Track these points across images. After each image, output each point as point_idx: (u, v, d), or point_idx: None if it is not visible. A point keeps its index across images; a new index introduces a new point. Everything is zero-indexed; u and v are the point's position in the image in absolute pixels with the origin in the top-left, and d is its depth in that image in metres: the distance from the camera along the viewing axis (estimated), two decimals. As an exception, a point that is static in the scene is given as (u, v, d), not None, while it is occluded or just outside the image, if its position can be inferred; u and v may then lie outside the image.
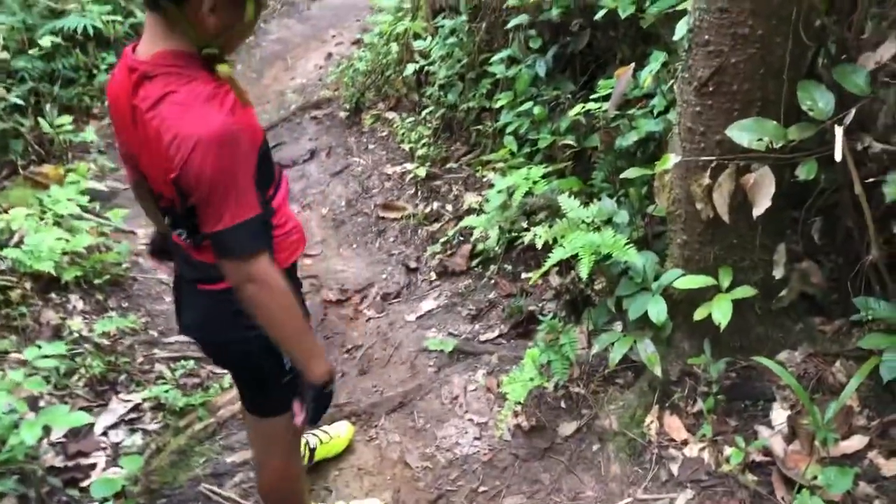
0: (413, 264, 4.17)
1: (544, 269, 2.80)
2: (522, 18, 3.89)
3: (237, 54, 7.55)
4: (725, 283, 2.57)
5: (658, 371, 2.61)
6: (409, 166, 5.02)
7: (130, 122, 1.67)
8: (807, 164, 2.24)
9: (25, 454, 2.49)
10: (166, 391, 3.08)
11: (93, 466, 2.85)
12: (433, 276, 4.02)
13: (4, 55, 5.27)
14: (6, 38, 5.50)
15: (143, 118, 1.61)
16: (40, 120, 5.17)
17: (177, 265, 1.99)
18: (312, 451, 2.80)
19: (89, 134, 5.15)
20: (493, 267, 3.80)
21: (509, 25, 4.02)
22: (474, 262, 3.94)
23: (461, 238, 4.12)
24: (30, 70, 5.53)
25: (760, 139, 2.21)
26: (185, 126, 1.55)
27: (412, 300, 3.92)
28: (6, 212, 4.09)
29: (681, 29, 2.47)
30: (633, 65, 2.81)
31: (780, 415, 2.56)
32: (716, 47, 2.25)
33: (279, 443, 2.13)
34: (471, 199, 4.35)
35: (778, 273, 2.51)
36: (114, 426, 3.08)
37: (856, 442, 2.39)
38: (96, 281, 3.97)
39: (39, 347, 3.16)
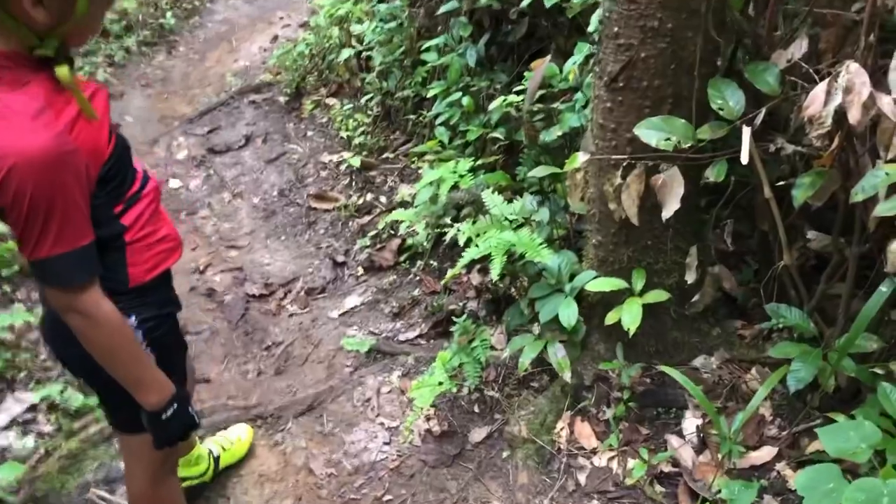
0: (341, 258, 4.04)
1: (457, 269, 2.68)
2: (453, 5, 3.75)
3: (181, 37, 7.34)
4: (639, 285, 2.48)
5: (567, 377, 2.52)
6: (346, 155, 4.88)
7: None
8: (717, 166, 2.14)
9: None
10: (62, 391, 2.91)
11: (-24, 471, 2.68)
12: (360, 270, 3.89)
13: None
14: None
15: None
16: None
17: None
18: (217, 459, 2.67)
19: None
20: (419, 263, 3.68)
21: (440, 11, 3.88)
22: (402, 258, 3.81)
23: (391, 232, 3.99)
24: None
25: (669, 139, 2.10)
26: (6, 142, 1.37)
27: (337, 296, 3.79)
28: None
29: (594, 20, 2.36)
30: (547, 58, 2.69)
31: (691, 423, 2.48)
32: (625, 40, 2.14)
33: (141, 461, 1.99)
34: (405, 191, 4.22)
35: (690, 277, 2.42)
36: (6, 428, 2.91)
37: (765, 453, 2.32)
38: (4, 272, 3.78)
39: (-75, 344, 2.99)
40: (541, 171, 2.66)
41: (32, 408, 3.02)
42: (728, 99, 2.09)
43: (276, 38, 7.08)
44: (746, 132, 1.98)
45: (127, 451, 2.04)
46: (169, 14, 7.43)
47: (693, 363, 2.64)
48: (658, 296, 2.43)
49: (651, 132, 2.13)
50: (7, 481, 2.45)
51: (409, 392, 2.79)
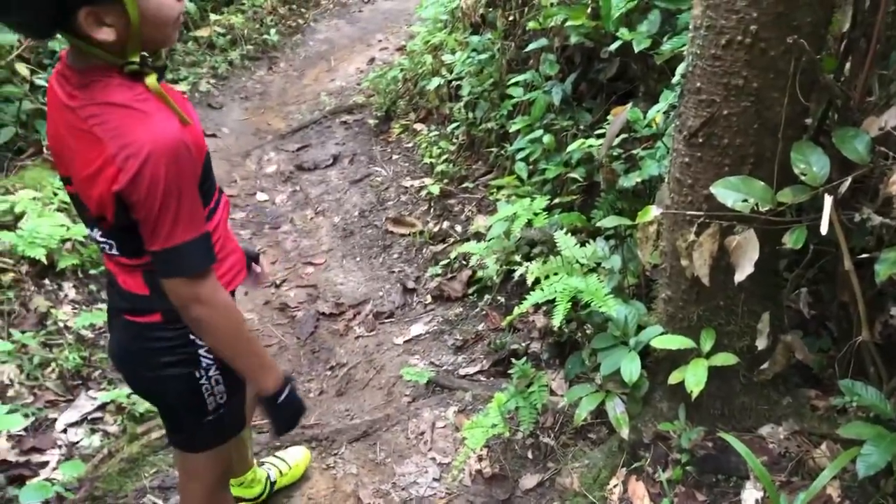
0: (411, 284, 4.06)
1: (520, 310, 2.65)
2: (541, 42, 3.74)
3: (282, 54, 7.56)
4: (707, 346, 2.39)
5: (625, 434, 2.44)
6: (427, 181, 4.91)
7: (62, 127, 1.55)
8: (796, 232, 2.05)
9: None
10: (129, 395, 3.01)
11: (44, 465, 2.80)
12: (429, 298, 3.90)
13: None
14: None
15: (81, 125, 1.50)
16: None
17: (108, 291, 1.89)
18: (273, 484, 2.70)
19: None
20: (487, 297, 3.66)
21: (528, 49, 3.88)
22: (471, 290, 3.80)
23: (463, 262, 3.99)
24: (67, 52, 5.57)
25: (746, 200, 2.03)
26: (135, 135, 1.45)
27: (404, 322, 3.80)
28: (14, 193, 4.12)
29: (679, 71, 2.30)
30: (629, 105, 2.64)
31: (751, 496, 2.36)
32: (708, 96, 2.08)
33: (199, 480, 2.03)
34: (481, 222, 4.22)
35: (761, 343, 2.32)
36: (76, 424, 3.03)
37: (828, 537, 2.19)
38: (92, 271, 3.96)
39: (10, 336, 3.16)
40: (612, 221, 2.61)
41: (102, 407, 3.14)
42: (812, 164, 2.00)
43: (372, 60, 7.23)
44: (828, 202, 1.89)
45: (184, 469, 2.08)
46: (273, 31, 7.68)
47: (760, 431, 2.52)
48: (726, 359, 2.34)
49: (728, 192, 2.06)
50: (69, 478, 2.54)
51: (462, 430, 2.76)
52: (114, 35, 1.46)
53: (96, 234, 1.69)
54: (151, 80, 1.55)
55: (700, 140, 2.15)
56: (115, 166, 1.46)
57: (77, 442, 2.94)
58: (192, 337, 1.76)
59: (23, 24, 1.46)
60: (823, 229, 1.86)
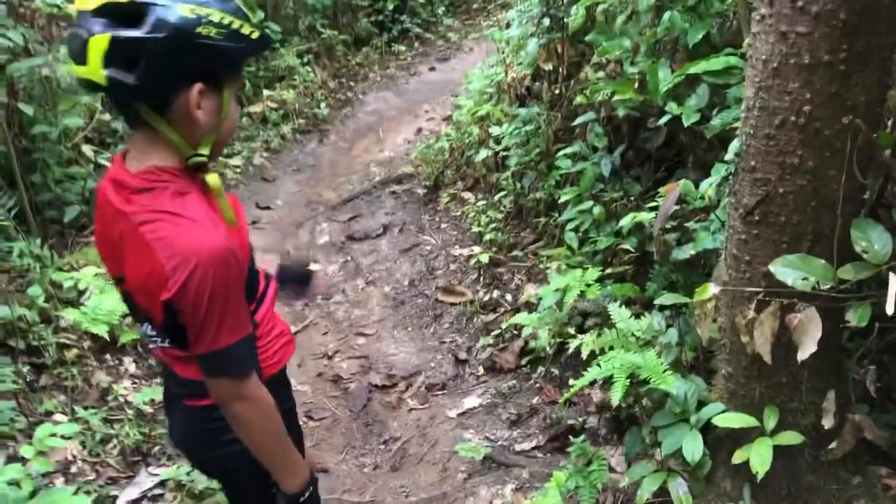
0: (463, 355, 4.06)
1: (577, 387, 2.63)
2: (589, 116, 3.79)
3: (333, 126, 7.76)
4: (770, 424, 2.35)
5: (688, 515, 2.39)
6: (476, 249, 4.95)
7: (116, 232, 1.59)
8: (859, 310, 2.02)
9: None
10: (188, 472, 3.04)
11: (106, 544, 2.83)
12: (481, 370, 3.90)
13: (106, 117, 5.56)
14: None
15: (135, 231, 1.54)
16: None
17: (163, 378, 1.94)
18: None
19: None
20: (540, 369, 3.65)
21: (576, 122, 3.93)
22: (524, 361, 3.79)
23: (514, 332, 3.98)
24: (128, 131, 5.79)
25: (806, 278, 2.01)
26: (183, 245, 1.49)
27: (457, 394, 3.80)
28: (78, 270, 4.26)
29: (731, 150, 2.32)
30: (681, 182, 2.66)
31: (824, 582, 2.28)
32: (763, 175, 2.09)
33: None
34: (531, 290, 4.22)
35: (827, 423, 2.26)
36: (135, 501, 3.06)
37: None
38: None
39: (73, 412, 3.23)
40: (670, 299, 2.60)
41: (161, 483, 3.17)
42: (873, 241, 1.98)
43: (420, 130, 7.38)
44: (893, 281, 1.86)
45: None
46: (323, 104, 7.90)
47: (829, 512, 2.44)
48: (792, 438, 2.29)
49: (788, 270, 2.04)
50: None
51: (520, 510, 2.73)
52: (204, 118, 1.54)
53: (146, 329, 1.72)
54: (214, 177, 1.63)
55: (756, 218, 2.15)
56: (163, 275, 1.49)
57: (137, 521, 2.97)
58: None
59: (130, 86, 1.47)
60: (889, 309, 1.83)
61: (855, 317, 2.01)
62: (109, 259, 1.69)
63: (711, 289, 2.27)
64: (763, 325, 2.15)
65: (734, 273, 2.30)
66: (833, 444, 2.33)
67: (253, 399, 1.65)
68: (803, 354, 2.06)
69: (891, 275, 1.89)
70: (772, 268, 2.07)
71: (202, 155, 1.60)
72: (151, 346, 1.75)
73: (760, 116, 2.03)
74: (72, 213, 4.79)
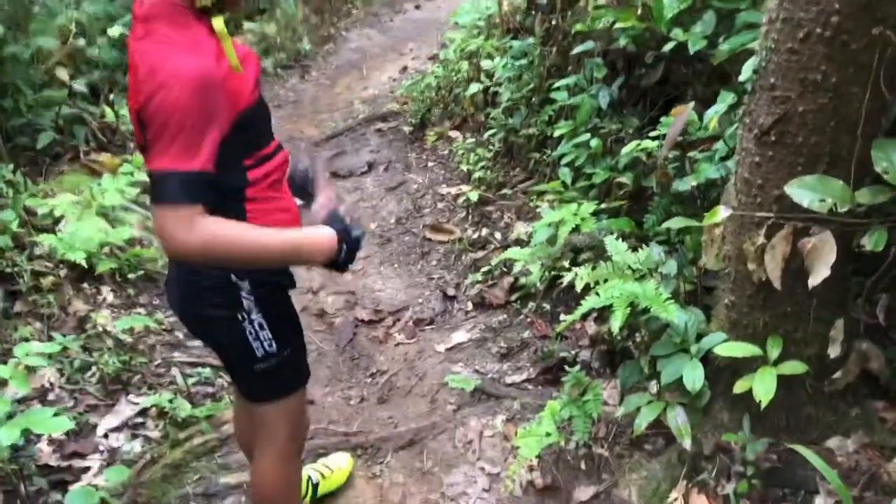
0: (451, 291, 3.99)
1: (573, 316, 2.57)
2: (588, 45, 3.67)
3: (315, 62, 7.55)
4: (773, 354, 2.30)
5: (687, 444, 2.35)
6: (464, 188, 4.85)
7: (130, 57, 1.62)
8: (875, 233, 1.96)
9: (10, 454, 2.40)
10: (171, 400, 2.96)
11: (86, 470, 2.74)
12: (470, 306, 3.83)
13: (81, 42, 5.33)
14: (88, 27, 5.59)
15: (132, 52, 1.59)
16: (106, 108, 5.20)
17: None
18: (315, 486, 2.63)
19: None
20: (531, 304, 3.59)
21: (574, 51, 3.81)
22: (514, 297, 3.73)
23: (504, 269, 3.91)
24: (104, 59, 5.58)
25: (823, 200, 1.94)
26: (163, 61, 1.53)
27: (445, 329, 3.73)
28: (53, 197, 4.10)
29: (747, 69, 2.22)
30: (690, 105, 2.57)
31: (821, 510, 2.26)
32: (782, 93, 2.00)
33: (271, 436, 2.05)
34: (521, 228, 4.15)
35: (833, 352, 2.22)
36: (117, 429, 2.98)
37: (907, 555, 2.08)
38: (130, 275, 3.93)
39: (51, 339, 3.12)
40: (677, 223, 2.52)
41: (143, 412, 3.08)
42: (895, 162, 1.91)
43: (405, 68, 7.20)
44: (915, 200, 1.80)
45: (259, 423, 2.06)
46: (305, 39, 7.68)
47: (826, 443, 2.42)
48: (795, 367, 2.25)
49: (804, 192, 1.97)
50: (114, 484, 2.48)
51: (513, 440, 2.68)
52: None
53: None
54: (219, 21, 1.62)
55: (773, 139, 2.07)
56: (138, 85, 1.54)
57: (118, 447, 2.88)
58: (233, 278, 1.78)
59: None
60: (911, 231, 1.77)
61: (870, 241, 1.95)
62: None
63: (721, 212, 2.20)
64: (775, 249, 2.09)
65: (744, 198, 2.22)
66: (837, 374, 2.29)
67: (183, 238, 1.53)
68: (815, 280, 2.01)
69: (913, 196, 1.83)
70: (787, 189, 2.00)
71: (204, 1, 1.60)
72: None
73: (783, 29, 1.94)
74: (45, 140, 4.62)
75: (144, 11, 1.60)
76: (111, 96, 5.32)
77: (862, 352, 2.25)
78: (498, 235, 4.32)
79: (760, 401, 2.17)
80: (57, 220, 3.92)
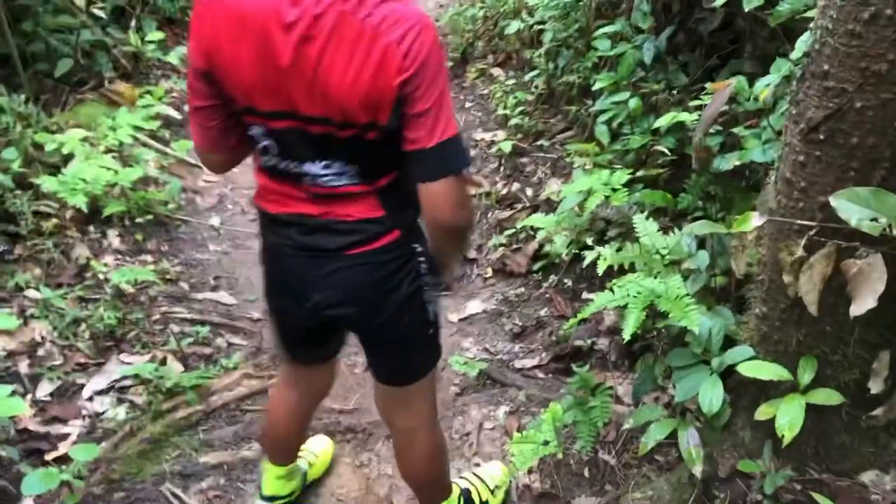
0: (472, 254, 3.73)
1: (584, 314, 2.29)
2: (634, -10, 3.26)
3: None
4: (805, 378, 2.00)
5: (698, 471, 2.09)
6: (499, 135, 4.53)
7: (286, 50, 1.42)
8: (938, 262, 1.62)
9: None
10: (156, 368, 2.80)
11: (64, 437, 2.63)
12: (490, 272, 3.57)
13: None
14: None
15: (342, 25, 1.39)
16: (131, 34, 4.98)
17: (292, 239, 1.71)
18: (304, 474, 2.48)
19: (173, 56, 4.91)
20: (553, 277, 3.31)
21: (620, -3, 3.40)
22: (536, 266, 3.45)
23: (530, 233, 3.62)
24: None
25: (875, 219, 1.60)
26: (413, 19, 1.40)
27: (461, 296, 3.49)
28: (65, 131, 3.93)
29: (800, 46, 1.85)
30: (734, 81, 2.20)
31: (845, 560, 1.99)
32: (837, 83, 1.64)
33: (427, 404, 2.02)
34: (554, 187, 3.83)
35: (875, 387, 1.91)
36: (103, 391, 2.85)
37: None
38: (139, 219, 3.77)
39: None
40: (703, 228, 2.18)
41: (134, 375, 2.95)
42: (970, 178, 1.56)
43: (452, -5, 6.75)
44: None
45: (409, 406, 2.00)
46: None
47: (861, 477, 2.13)
48: (829, 397, 1.94)
49: (852, 206, 1.63)
50: (82, 463, 2.35)
51: (509, 444, 2.45)
52: None
53: (318, 167, 1.58)
54: None
55: (822, 136, 1.71)
56: (397, 56, 1.39)
57: (102, 413, 2.76)
58: (413, 245, 1.72)
59: None
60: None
61: (931, 271, 1.61)
62: (256, 99, 1.51)
63: (755, 219, 1.86)
64: (813, 268, 1.76)
65: (785, 200, 1.88)
66: (878, 411, 1.98)
67: (469, 202, 1.60)
68: (859, 309, 1.68)
69: None
70: (833, 200, 1.65)
71: None
72: (311, 189, 1.62)
73: (844, 7, 1.57)
74: (64, 67, 4.42)
75: None
76: (135, 21, 5.08)
77: (910, 390, 1.93)
78: (529, 192, 4.01)
79: (784, 435, 1.89)
80: (66, 158, 3.75)
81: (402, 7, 1.41)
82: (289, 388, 2.19)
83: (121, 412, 2.76)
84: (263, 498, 2.36)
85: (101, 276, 3.34)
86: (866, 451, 2.14)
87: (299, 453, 2.48)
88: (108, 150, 3.91)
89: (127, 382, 2.89)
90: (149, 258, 3.66)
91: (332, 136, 1.52)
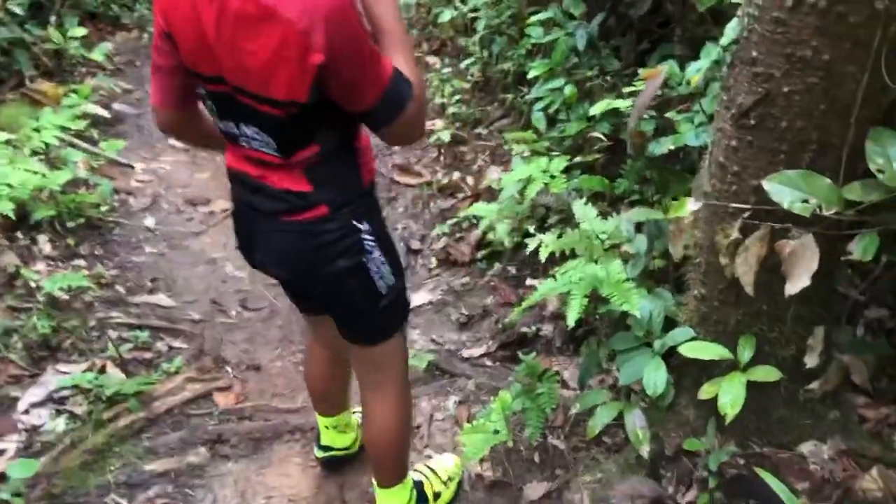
0: (416, 244, 3.72)
1: (528, 302, 2.31)
2: (566, -25, 3.28)
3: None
4: (745, 356, 2.05)
5: (645, 452, 2.14)
6: (438, 124, 4.51)
7: (207, 21, 1.43)
8: (865, 240, 1.67)
9: None
10: (96, 377, 2.73)
11: (0, 454, 2.54)
12: (434, 262, 3.57)
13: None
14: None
15: (249, 4, 1.37)
16: (51, 30, 4.80)
17: (242, 194, 1.78)
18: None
19: (98, 53, 4.76)
20: (497, 265, 3.32)
21: (550, -17, 3.42)
22: (480, 254, 3.46)
23: (472, 222, 3.63)
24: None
25: (806, 200, 1.65)
26: (298, 7, 1.35)
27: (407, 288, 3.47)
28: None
29: (729, 33, 1.89)
30: (665, 68, 2.24)
31: (788, 530, 2.06)
32: (765, 69, 1.68)
33: (391, 370, 2.02)
34: (494, 175, 3.84)
35: (811, 361, 1.98)
36: (40, 404, 2.76)
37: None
38: (70, 224, 3.65)
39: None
40: (639, 216, 2.22)
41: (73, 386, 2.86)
42: (893, 158, 1.61)
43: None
44: (914, 210, 1.51)
45: (376, 363, 2.01)
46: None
47: (800, 449, 2.19)
48: (768, 373, 2.00)
49: (784, 189, 1.67)
50: (18, 481, 2.28)
51: (460, 434, 2.46)
52: None
53: (250, 131, 1.60)
54: None
55: (752, 121, 1.75)
56: (298, 35, 1.36)
57: (40, 426, 2.68)
58: (354, 223, 1.70)
59: None
60: (906, 248, 1.49)
61: (859, 249, 1.67)
62: (202, 54, 1.51)
63: (690, 205, 1.91)
64: (748, 250, 1.80)
65: (719, 184, 1.93)
66: (814, 384, 2.05)
67: (423, 114, 1.63)
68: (793, 288, 1.73)
69: (911, 202, 1.54)
70: (765, 185, 1.70)
71: None
72: (247, 151, 1.65)
73: (770, -6, 1.60)
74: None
75: None
76: (55, 17, 4.90)
77: (843, 363, 2.00)
78: (470, 180, 4.02)
79: (726, 413, 1.94)
80: (-12, 163, 3.61)
81: None
82: (310, 337, 2.30)
83: (60, 424, 2.68)
84: (320, 447, 2.48)
85: (32, 284, 3.23)
86: (805, 424, 2.21)
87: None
88: (33, 153, 3.77)
89: (65, 393, 2.81)
90: (82, 263, 3.55)
91: (254, 107, 1.53)
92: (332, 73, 1.42)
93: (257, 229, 1.78)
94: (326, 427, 2.42)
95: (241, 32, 1.40)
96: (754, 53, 1.68)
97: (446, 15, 4.63)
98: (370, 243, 1.74)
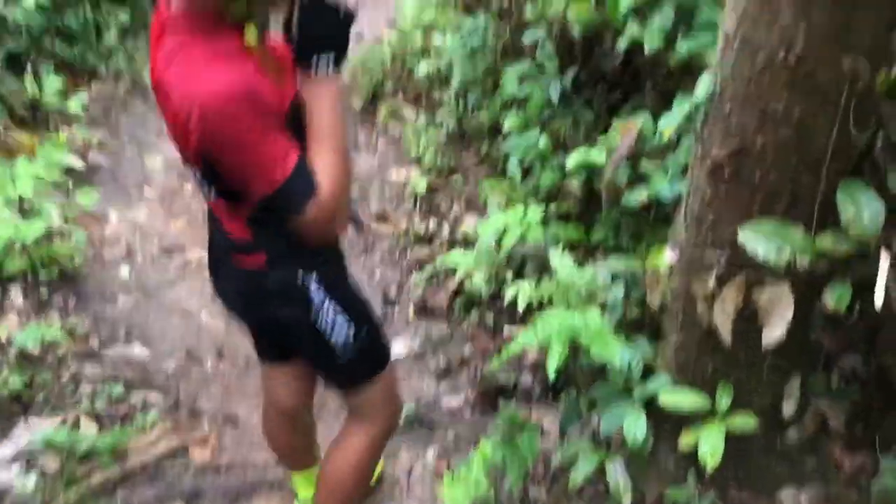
0: (393, 294, 3.72)
1: (508, 353, 2.31)
2: (538, 34, 3.36)
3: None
4: (723, 403, 2.07)
5: (626, 503, 2.13)
6: (413, 174, 4.55)
7: (156, 78, 1.50)
8: (838, 289, 1.71)
9: None
10: (66, 435, 2.67)
11: (-32, 513, 2.48)
12: (411, 312, 3.56)
13: None
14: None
15: (165, 71, 1.45)
16: (28, 80, 4.80)
17: (210, 222, 1.81)
18: None
19: (74, 103, 4.76)
20: (474, 313, 3.33)
21: (525, 41, 3.50)
22: (457, 303, 3.47)
23: (450, 270, 3.64)
24: (29, 24, 5.14)
25: (780, 251, 1.69)
26: (191, 86, 1.39)
27: (383, 338, 3.47)
28: (-41, 186, 3.75)
29: (701, 87, 1.95)
30: (640, 122, 2.29)
31: (770, 580, 2.06)
32: (738, 122, 1.73)
33: (375, 415, 2.00)
34: (470, 222, 3.88)
35: (787, 409, 2.00)
36: (9, 461, 2.70)
37: None
38: (43, 275, 3.60)
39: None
40: (617, 265, 2.26)
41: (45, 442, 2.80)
42: (863, 209, 1.66)
43: (360, 36, 6.79)
44: (884, 259, 1.55)
45: (361, 407, 1.99)
46: None
47: (779, 496, 2.21)
48: (745, 422, 2.02)
49: (759, 239, 1.71)
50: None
51: (441, 488, 2.44)
52: None
53: (196, 174, 1.63)
54: (252, 31, 1.44)
55: (726, 174, 1.80)
56: (183, 119, 1.42)
57: (9, 484, 2.60)
58: (299, 274, 1.68)
59: None
60: (878, 298, 1.52)
61: (833, 298, 1.71)
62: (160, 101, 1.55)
63: (667, 256, 1.94)
64: (724, 301, 1.84)
65: (694, 234, 1.97)
66: (791, 432, 2.07)
67: (330, 210, 1.52)
68: (769, 338, 1.77)
69: (882, 252, 1.58)
70: (740, 235, 1.74)
71: (235, 12, 1.42)
72: (203, 193, 1.69)
73: (742, 52, 1.66)
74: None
75: (170, 22, 1.45)
76: (33, 67, 4.90)
77: (819, 410, 2.03)
78: (446, 229, 4.04)
79: (706, 464, 1.95)
80: (-39, 214, 3.57)
81: (194, 72, 1.40)
82: (266, 400, 2.25)
83: (30, 482, 2.62)
84: (300, 501, 2.44)
85: (2, 338, 3.18)
86: (783, 471, 2.23)
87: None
88: (6, 203, 3.73)
89: (36, 448, 2.74)
90: (55, 315, 3.50)
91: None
92: (213, 155, 1.46)
93: (218, 259, 1.83)
94: (304, 480, 2.39)
95: (169, 89, 1.46)
96: (728, 108, 1.73)
97: (422, 68, 4.70)
98: (318, 296, 1.70)
